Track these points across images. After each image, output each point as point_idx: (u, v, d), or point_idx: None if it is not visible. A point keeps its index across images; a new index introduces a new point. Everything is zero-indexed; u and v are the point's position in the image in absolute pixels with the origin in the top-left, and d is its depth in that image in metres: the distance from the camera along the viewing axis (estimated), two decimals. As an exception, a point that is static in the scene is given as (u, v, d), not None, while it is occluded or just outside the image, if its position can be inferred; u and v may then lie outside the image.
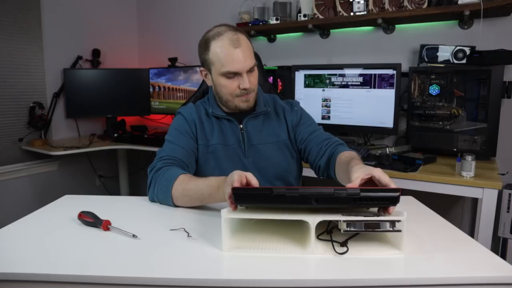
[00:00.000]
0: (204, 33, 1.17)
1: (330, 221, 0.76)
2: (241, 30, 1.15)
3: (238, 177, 0.84)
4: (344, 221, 0.72)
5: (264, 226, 0.86)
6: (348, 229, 0.72)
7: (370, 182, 0.84)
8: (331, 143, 1.19)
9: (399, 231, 0.72)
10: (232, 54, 1.09)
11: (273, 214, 0.75)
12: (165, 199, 1.05)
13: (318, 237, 0.79)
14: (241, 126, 1.23)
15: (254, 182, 0.85)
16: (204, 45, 1.15)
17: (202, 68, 1.21)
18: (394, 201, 0.70)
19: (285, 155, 1.26)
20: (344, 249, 0.74)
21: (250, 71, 1.13)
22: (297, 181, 1.32)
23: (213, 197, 0.98)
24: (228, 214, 0.75)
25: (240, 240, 0.80)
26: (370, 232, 0.73)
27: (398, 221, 0.71)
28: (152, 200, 1.10)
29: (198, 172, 1.22)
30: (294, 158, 1.29)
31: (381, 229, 0.72)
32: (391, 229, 0.72)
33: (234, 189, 0.75)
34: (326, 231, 0.80)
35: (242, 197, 0.76)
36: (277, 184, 1.24)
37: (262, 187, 0.79)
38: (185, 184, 1.02)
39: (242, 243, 0.79)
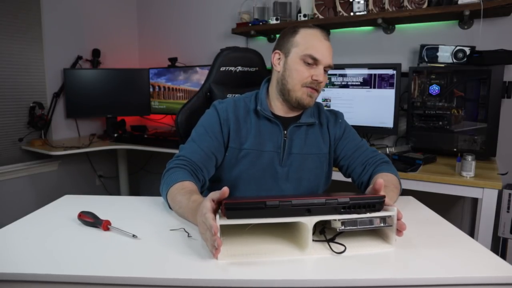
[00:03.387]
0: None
1: (319, 221, 0.77)
2: None
3: (209, 206, 0.77)
4: (339, 220, 0.75)
5: (255, 231, 0.84)
6: (343, 227, 0.75)
7: None
8: (375, 161, 1.17)
9: (390, 225, 0.78)
10: (321, 42, 1.10)
11: (269, 217, 0.74)
12: (166, 203, 1.03)
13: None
14: (285, 133, 1.16)
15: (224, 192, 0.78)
16: (292, 29, 1.14)
17: (277, 51, 1.17)
18: (380, 206, 0.77)
19: (322, 169, 1.21)
20: (342, 248, 0.77)
21: (325, 69, 1.12)
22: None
23: (193, 221, 0.91)
24: (222, 221, 0.72)
25: (235, 248, 0.78)
26: (364, 229, 0.77)
27: (389, 216, 0.77)
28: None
29: (224, 174, 1.17)
30: (328, 172, 1.24)
31: (374, 226, 0.77)
32: (382, 224, 0.77)
33: (226, 204, 0.72)
34: (319, 231, 0.82)
35: (234, 211, 0.72)
36: None
37: (254, 200, 0.74)
38: (175, 194, 0.98)
39: (237, 250, 0.77)
